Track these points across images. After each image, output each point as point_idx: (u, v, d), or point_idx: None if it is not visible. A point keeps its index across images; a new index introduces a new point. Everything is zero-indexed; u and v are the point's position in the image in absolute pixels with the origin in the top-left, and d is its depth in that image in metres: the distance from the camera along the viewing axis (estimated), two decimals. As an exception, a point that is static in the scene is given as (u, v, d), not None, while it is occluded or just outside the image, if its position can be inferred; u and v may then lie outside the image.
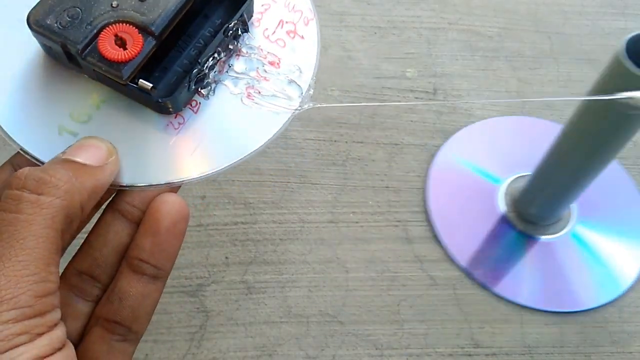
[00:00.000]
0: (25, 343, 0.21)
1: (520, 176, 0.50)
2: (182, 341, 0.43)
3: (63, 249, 0.24)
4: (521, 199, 0.49)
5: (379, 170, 0.51)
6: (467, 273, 0.47)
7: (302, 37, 0.31)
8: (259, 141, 0.29)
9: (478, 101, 0.54)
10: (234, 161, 0.29)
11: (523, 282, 0.47)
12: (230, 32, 0.29)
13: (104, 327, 0.27)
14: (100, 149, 0.26)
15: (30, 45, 0.28)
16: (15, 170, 0.26)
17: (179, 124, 0.29)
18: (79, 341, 0.27)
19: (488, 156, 0.52)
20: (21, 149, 0.27)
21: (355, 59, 0.56)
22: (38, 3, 0.26)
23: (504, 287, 0.46)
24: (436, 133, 0.53)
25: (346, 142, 0.52)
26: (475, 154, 0.52)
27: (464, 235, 0.48)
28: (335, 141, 0.52)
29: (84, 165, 0.25)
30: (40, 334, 0.22)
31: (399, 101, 0.54)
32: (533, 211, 0.48)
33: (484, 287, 0.46)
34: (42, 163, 0.27)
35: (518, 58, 0.58)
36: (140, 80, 0.26)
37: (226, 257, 0.47)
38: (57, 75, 0.28)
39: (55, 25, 0.26)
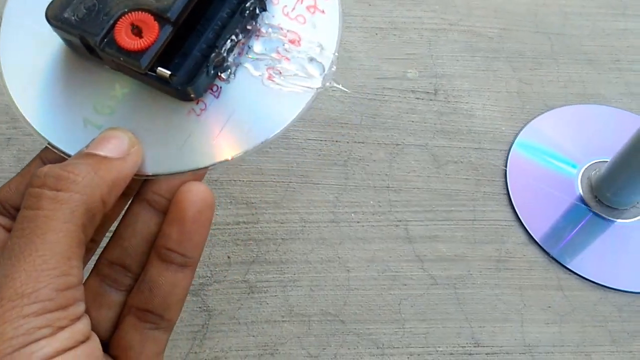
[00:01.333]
0: (46, 336, 0.22)
1: (598, 162, 0.53)
2: (185, 340, 0.44)
3: (87, 243, 0.25)
4: (599, 184, 0.51)
5: (380, 170, 0.51)
6: (545, 252, 0.49)
7: (323, 12, 0.30)
8: (282, 123, 0.28)
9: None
10: (256, 144, 0.28)
11: (597, 261, 0.49)
12: (248, 11, 0.28)
13: (136, 316, 0.27)
14: (121, 140, 0.26)
15: (53, 40, 0.28)
16: (45, 165, 0.27)
17: (201, 109, 0.28)
18: (113, 330, 0.28)
19: (565, 142, 0.54)
20: (49, 144, 0.27)
21: (356, 59, 0.56)
22: None
23: (579, 264, 0.49)
24: (437, 133, 0.53)
25: (347, 142, 0.52)
26: (552, 140, 0.54)
27: (543, 216, 0.51)
28: (336, 141, 0.52)
29: (105, 157, 0.25)
30: (62, 327, 0.22)
31: (400, 102, 0.55)
32: (610, 196, 0.50)
33: (560, 264, 0.49)
34: (69, 156, 0.27)
35: (518, 59, 0.58)
36: (159, 68, 0.26)
37: (228, 257, 0.47)
38: (80, 68, 0.28)
39: (73, 18, 0.26)
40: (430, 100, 0.55)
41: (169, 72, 0.26)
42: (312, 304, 0.46)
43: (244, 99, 0.29)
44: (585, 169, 0.53)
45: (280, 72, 0.29)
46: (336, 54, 0.29)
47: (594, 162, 0.53)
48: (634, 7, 0.62)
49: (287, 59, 0.29)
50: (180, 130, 0.28)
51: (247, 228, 0.48)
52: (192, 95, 0.28)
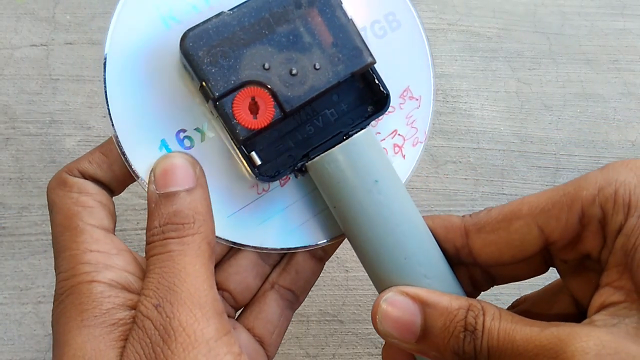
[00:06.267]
0: None
1: None
2: (183, 340, 0.44)
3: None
4: None
5: (379, 170, 0.51)
6: None
7: (404, 157, 0.31)
8: (318, 240, 0.30)
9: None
10: (287, 247, 0.30)
11: None
12: (347, 136, 0.28)
13: (279, 293, 0.31)
14: (187, 168, 0.26)
15: (173, 40, 0.26)
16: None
17: (264, 190, 0.29)
18: (253, 297, 0.31)
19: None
20: (115, 136, 0.26)
21: (355, 59, 0.56)
22: (198, 26, 0.25)
23: None
24: (435, 133, 0.53)
25: (346, 142, 0.52)
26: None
27: None
28: (335, 141, 0.52)
29: (189, 190, 0.26)
30: (239, 354, 0.24)
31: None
32: None
33: None
34: (125, 157, 0.26)
35: (517, 58, 0.58)
36: (253, 152, 0.27)
37: (227, 257, 0.47)
38: (183, 92, 0.28)
39: (205, 60, 0.25)
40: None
41: (259, 162, 0.27)
42: (310, 304, 0.45)
43: (302, 201, 0.30)
44: None
45: None
46: None
47: None
48: (632, 7, 0.62)
49: None
50: (237, 199, 0.28)
51: (245, 228, 0.48)
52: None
